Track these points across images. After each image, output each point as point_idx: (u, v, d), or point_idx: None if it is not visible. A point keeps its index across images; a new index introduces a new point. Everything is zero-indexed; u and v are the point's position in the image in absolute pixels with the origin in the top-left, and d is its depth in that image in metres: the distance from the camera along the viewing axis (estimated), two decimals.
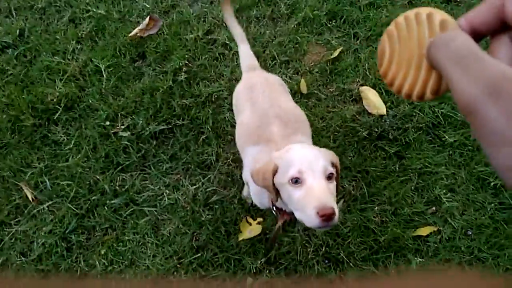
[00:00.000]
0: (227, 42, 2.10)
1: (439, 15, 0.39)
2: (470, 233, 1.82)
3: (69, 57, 2.10)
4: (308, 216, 1.01)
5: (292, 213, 1.20)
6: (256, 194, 1.41)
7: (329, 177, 1.06)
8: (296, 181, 1.05)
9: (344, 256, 1.80)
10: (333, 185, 1.08)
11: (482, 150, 1.88)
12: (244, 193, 1.80)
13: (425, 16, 0.40)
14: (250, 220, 1.83)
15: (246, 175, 1.43)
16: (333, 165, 1.11)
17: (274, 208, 1.32)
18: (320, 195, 1.01)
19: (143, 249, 1.83)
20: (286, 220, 1.37)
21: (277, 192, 1.14)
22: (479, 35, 0.39)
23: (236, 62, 2.05)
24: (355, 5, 2.17)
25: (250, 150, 1.37)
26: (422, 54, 0.39)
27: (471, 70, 0.32)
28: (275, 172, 1.11)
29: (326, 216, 0.97)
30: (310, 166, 1.05)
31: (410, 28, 0.41)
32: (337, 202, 1.80)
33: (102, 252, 1.83)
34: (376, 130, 1.91)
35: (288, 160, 1.09)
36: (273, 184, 1.12)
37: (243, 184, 1.84)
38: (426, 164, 1.88)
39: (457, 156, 1.89)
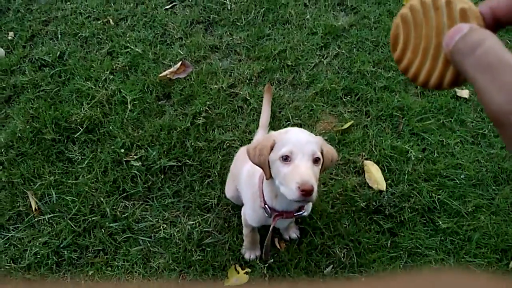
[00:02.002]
0: (247, 98, 2.25)
1: (459, 2, 0.38)
2: None
3: (100, 85, 2.26)
4: (290, 189, 1.17)
5: (284, 212, 1.42)
6: (250, 200, 1.54)
7: (315, 161, 1.23)
8: (286, 158, 1.22)
9: None
10: (317, 168, 1.24)
11: (472, 241, 1.94)
12: (242, 250, 1.87)
13: (444, 2, 0.38)
14: (239, 268, 1.86)
15: (246, 208, 1.62)
16: (322, 153, 1.27)
17: (267, 206, 1.44)
18: (304, 173, 1.17)
19: (129, 278, 1.86)
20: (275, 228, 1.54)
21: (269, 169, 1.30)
22: (501, 24, 0.37)
23: (252, 117, 2.18)
24: (371, 85, 2.33)
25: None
26: (439, 43, 0.38)
27: (501, 80, 0.30)
28: (272, 147, 1.27)
29: (306, 192, 1.14)
30: (301, 148, 1.21)
31: (427, 14, 0.39)
32: (326, 268, 1.85)
33: (90, 273, 1.85)
34: (374, 203, 1.99)
35: (284, 140, 1.25)
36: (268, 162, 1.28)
37: (239, 232, 1.90)
38: (417, 245, 1.93)
39: (448, 243, 1.94)
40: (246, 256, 1.85)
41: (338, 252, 1.90)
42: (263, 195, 1.45)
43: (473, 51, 0.33)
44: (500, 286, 0.28)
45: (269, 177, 1.30)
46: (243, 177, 1.61)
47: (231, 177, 1.83)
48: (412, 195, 2.03)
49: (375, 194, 2.02)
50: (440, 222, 1.98)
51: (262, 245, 1.76)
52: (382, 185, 2.04)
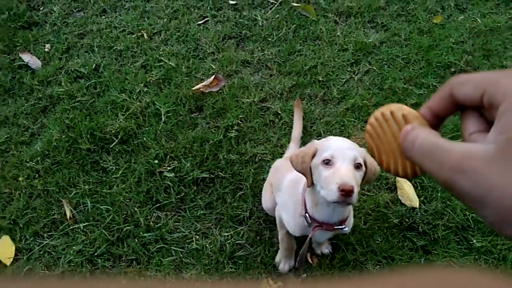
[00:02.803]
0: (279, 112, 2.27)
1: (399, 110, 0.48)
2: None
3: (134, 97, 2.30)
4: (330, 190, 1.19)
5: (324, 223, 1.43)
6: (291, 208, 1.55)
7: (357, 166, 1.24)
8: (327, 162, 1.24)
9: None
10: (359, 174, 1.24)
11: (507, 260, 1.91)
12: (277, 259, 1.86)
13: (389, 114, 0.48)
14: (271, 282, 1.85)
15: (280, 209, 1.66)
16: (365, 163, 1.28)
17: (307, 215, 1.45)
18: (344, 175, 1.18)
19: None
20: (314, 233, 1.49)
21: (311, 177, 1.31)
22: (441, 117, 0.46)
23: (284, 131, 2.20)
24: (402, 102, 2.33)
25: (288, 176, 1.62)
26: (399, 143, 0.46)
27: (437, 159, 0.39)
28: (314, 154, 1.30)
29: (345, 192, 1.15)
30: (342, 153, 1.23)
31: (382, 125, 0.49)
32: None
33: (123, 282, 1.86)
34: (407, 220, 1.97)
35: (325, 145, 1.28)
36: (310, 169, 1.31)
37: (271, 245, 1.90)
38: (450, 263, 1.91)
39: (482, 262, 1.92)
40: (281, 266, 1.84)
41: (371, 268, 1.88)
42: (305, 203, 1.46)
43: (412, 145, 0.43)
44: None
45: (311, 184, 1.33)
46: (284, 186, 1.62)
47: (268, 188, 1.84)
48: (445, 212, 2.01)
49: (408, 211, 2.01)
50: (474, 241, 1.96)
51: (297, 256, 1.75)
52: (415, 202, 2.03)
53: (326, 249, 1.90)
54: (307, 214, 1.46)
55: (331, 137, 1.38)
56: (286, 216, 1.60)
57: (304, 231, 1.55)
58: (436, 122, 0.47)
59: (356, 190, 1.17)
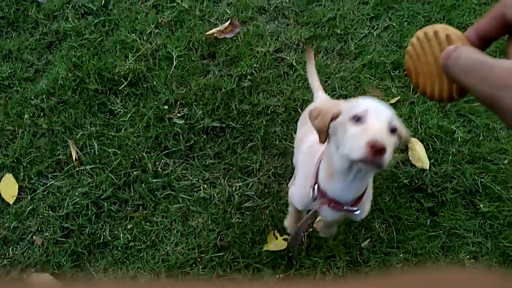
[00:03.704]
0: (294, 64, 2.19)
1: (443, 30, 0.47)
2: None
3: (144, 38, 2.20)
4: (356, 146, 0.95)
5: (333, 201, 1.20)
6: (302, 178, 1.37)
7: (392, 130, 1.01)
8: (358, 119, 1.00)
9: None
10: (393, 140, 1.01)
11: (511, 227, 1.93)
12: (286, 223, 1.73)
13: (432, 34, 0.48)
14: (277, 234, 1.86)
15: (294, 185, 1.46)
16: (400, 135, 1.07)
17: (316, 187, 1.23)
18: (377, 131, 0.95)
19: (167, 234, 1.86)
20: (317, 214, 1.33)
21: (327, 136, 1.12)
22: (487, 41, 0.45)
23: (297, 84, 2.14)
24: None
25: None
26: (439, 65, 0.45)
27: (480, 75, 0.39)
28: (335, 116, 1.08)
29: (376, 149, 0.91)
30: (377, 112, 1.01)
31: (423, 46, 0.48)
32: (363, 241, 1.85)
33: (129, 227, 1.86)
34: (416, 181, 1.97)
35: (356, 104, 1.05)
36: (328, 128, 1.10)
37: (279, 198, 1.89)
38: (456, 226, 1.92)
39: (487, 227, 1.93)
40: (286, 225, 1.74)
41: (377, 226, 1.89)
42: (317, 174, 1.25)
43: (455, 63, 0.43)
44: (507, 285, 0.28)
45: (324, 140, 1.12)
46: (302, 149, 1.45)
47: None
48: (455, 176, 2.00)
49: (417, 172, 2.00)
50: (481, 205, 1.96)
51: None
52: (426, 164, 2.01)
53: (330, 233, 1.73)
54: (316, 186, 1.24)
55: (361, 98, 1.13)
56: (293, 186, 1.46)
57: (308, 206, 1.36)
58: (481, 46, 0.46)
59: (389, 151, 0.94)
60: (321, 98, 1.72)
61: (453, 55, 0.43)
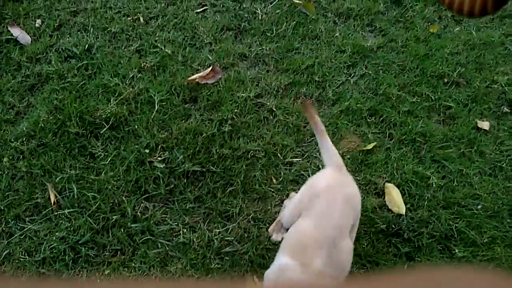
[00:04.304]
0: (274, 109, 2.25)
1: None
2: None
3: (127, 82, 2.24)
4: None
5: None
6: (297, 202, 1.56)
7: None
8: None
9: None
10: None
11: None
12: (270, 229, 1.83)
13: None
14: (256, 280, 1.86)
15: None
16: None
17: None
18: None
19: (146, 280, 1.84)
20: None
21: None
22: None
23: (277, 128, 2.19)
24: (395, 108, 2.35)
25: (283, 258, 1.44)
26: None
27: None
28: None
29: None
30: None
31: None
32: None
33: (106, 272, 1.83)
34: (393, 226, 2.00)
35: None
36: None
37: (259, 243, 1.90)
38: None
39: None
40: (273, 236, 1.80)
41: (355, 272, 1.90)
42: None
43: None
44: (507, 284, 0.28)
45: None
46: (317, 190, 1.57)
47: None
48: (430, 221, 2.05)
49: (394, 217, 2.04)
50: (457, 250, 2.00)
51: None
52: (402, 209, 2.06)
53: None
54: None
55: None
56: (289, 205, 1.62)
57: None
58: None
59: None
60: (329, 148, 1.70)
61: None
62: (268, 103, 2.28)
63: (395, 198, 2.08)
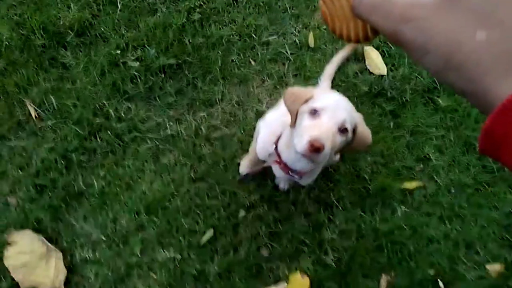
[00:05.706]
0: None
1: None
2: (453, 191, 1.94)
3: None
4: (301, 141, 1.10)
5: (284, 164, 1.37)
6: (264, 136, 1.50)
7: (341, 130, 1.14)
8: (314, 112, 1.14)
9: (334, 200, 1.89)
10: (340, 138, 1.14)
11: (471, 116, 2.00)
12: (241, 162, 1.87)
13: None
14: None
15: (262, 123, 1.58)
16: (354, 130, 1.20)
17: (275, 148, 1.39)
18: (322, 131, 1.09)
19: (141, 175, 1.89)
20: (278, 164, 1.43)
21: (295, 120, 1.22)
22: None
23: (248, 10, 2.11)
24: None
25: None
26: (351, 6, 0.47)
27: (383, 12, 0.41)
28: (307, 101, 1.19)
29: (314, 148, 1.06)
30: (333, 110, 1.13)
31: None
32: (334, 155, 1.90)
33: (101, 174, 1.87)
34: (375, 87, 2.01)
35: (322, 97, 1.18)
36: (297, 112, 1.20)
37: (246, 124, 1.91)
38: (418, 124, 1.99)
39: (447, 120, 2.01)
40: (241, 169, 1.86)
41: None
42: (279, 137, 1.40)
43: (360, 3, 0.44)
44: None
45: (293, 124, 1.22)
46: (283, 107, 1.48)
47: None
48: (412, 77, 2.05)
49: (376, 78, 2.04)
50: (440, 101, 2.03)
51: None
52: (383, 70, 2.05)
53: (283, 185, 1.87)
54: (275, 146, 1.39)
55: (334, 92, 1.31)
56: (262, 133, 1.53)
57: (265, 158, 1.51)
58: None
59: (327, 150, 1.08)
60: (323, 86, 1.77)
61: None
62: None
63: (375, 61, 2.06)
